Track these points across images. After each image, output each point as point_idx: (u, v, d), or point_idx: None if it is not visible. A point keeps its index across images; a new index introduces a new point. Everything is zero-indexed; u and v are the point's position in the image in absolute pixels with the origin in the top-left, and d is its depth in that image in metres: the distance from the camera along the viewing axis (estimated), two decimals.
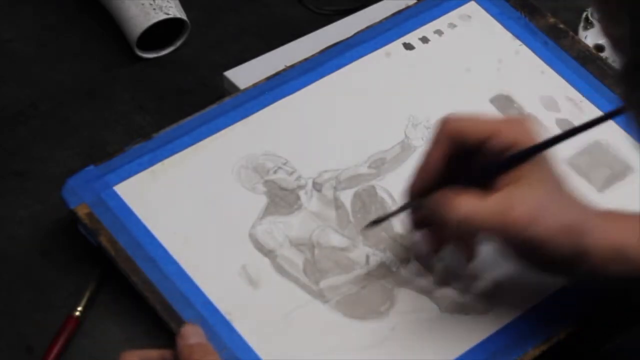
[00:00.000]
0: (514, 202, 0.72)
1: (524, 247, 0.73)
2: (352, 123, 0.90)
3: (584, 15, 1.03)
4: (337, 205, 0.85)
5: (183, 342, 0.74)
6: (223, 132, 0.88)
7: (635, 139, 0.46)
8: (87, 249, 0.83)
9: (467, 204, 0.73)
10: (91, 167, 0.85)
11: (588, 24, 1.02)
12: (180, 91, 0.97)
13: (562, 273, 0.78)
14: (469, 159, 0.76)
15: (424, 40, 0.96)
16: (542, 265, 0.75)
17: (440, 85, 0.93)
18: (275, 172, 0.87)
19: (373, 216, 0.84)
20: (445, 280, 0.81)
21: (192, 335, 0.74)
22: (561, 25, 0.98)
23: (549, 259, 0.73)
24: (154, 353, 0.75)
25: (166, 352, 0.74)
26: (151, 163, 0.86)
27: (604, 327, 0.82)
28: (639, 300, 0.80)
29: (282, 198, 0.85)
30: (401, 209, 0.80)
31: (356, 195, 0.86)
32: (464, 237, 0.79)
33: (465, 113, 0.78)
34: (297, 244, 0.83)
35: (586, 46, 0.97)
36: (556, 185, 0.75)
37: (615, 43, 0.45)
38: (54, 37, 1.01)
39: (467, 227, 0.74)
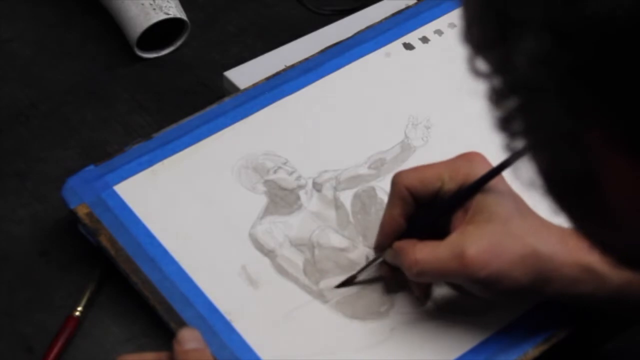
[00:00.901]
0: (465, 245, 0.73)
1: (485, 284, 0.73)
2: (352, 123, 0.90)
3: None
4: (337, 205, 0.85)
5: (179, 347, 0.73)
6: (223, 132, 0.88)
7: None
8: (87, 249, 0.83)
9: (421, 254, 0.74)
10: (91, 167, 0.85)
11: None
12: (180, 91, 0.97)
13: (530, 297, 0.78)
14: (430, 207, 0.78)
15: (424, 40, 0.96)
16: (507, 295, 0.75)
17: (440, 85, 0.93)
18: (275, 172, 0.87)
19: (373, 217, 0.84)
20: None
21: (189, 340, 0.73)
22: None
23: (513, 289, 0.73)
24: (149, 356, 0.74)
25: (162, 355, 0.74)
26: (151, 163, 0.86)
27: (604, 327, 0.82)
28: (618, 316, 0.80)
29: (282, 198, 0.85)
30: (366, 266, 0.80)
31: (356, 196, 0.86)
32: (428, 282, 0.79)
33: (413, 168, 0.78)
34: (297, 244, 0.83)
35: None
36: (510, 214, 0.74)
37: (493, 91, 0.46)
38: (54, 37, 1.01)
39: (425, 276, 0.75)
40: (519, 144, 0.46)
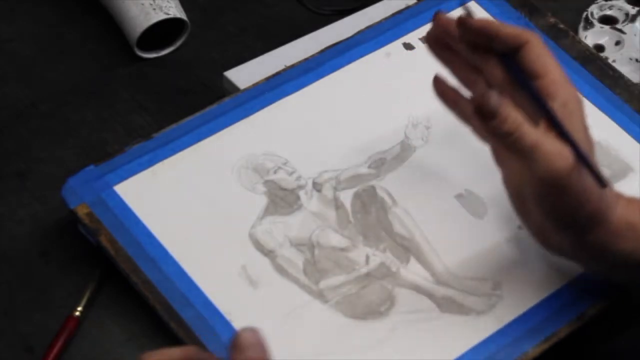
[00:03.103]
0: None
1: (550, 184, 0.71)
2: (352, 123, 0.90)
3: (584, 15, 1.03)
4: (337, 205, 0.85)
5: (238, 355, 0.62)
6: (223, 132, 0.88)
7: None
8: (87, 249, 0.83)
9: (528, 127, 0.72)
10: (91, 167, 0.85)
11: (588, 24, 1.02)
12: (180, 91, 0.97)
13: (575, 236, 0.75)
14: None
15: (424, 40, 0.96)
16: (558, 216, 0.74)
17: None
18: (275, 172, 0.87)
19: (373, 216, 0.84)
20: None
21: (248, 346, 0.62)
22: (561, 25, 0.98)
23: (569, 211, 0.73)
24: (175, 352, 0.65)
25: (190, 350, 0.66)
26: (151, 163, 0.86)
27: (604, 327, 0.82)
28: (639, 298, 0.80)
29: (282, 198, 0.85)
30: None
31: (356, 196, 0.86)
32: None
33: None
34: (297, 244, 0.83)
35: (586, 46, 0.97)
36: (589, 144, 0.75)
37: None
38: (54, 37, 1.01)
39: (514, 139, 0.72)
40: None
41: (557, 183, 0.71)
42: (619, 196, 0.76)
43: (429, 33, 0.80)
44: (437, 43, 0.80)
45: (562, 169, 0.71)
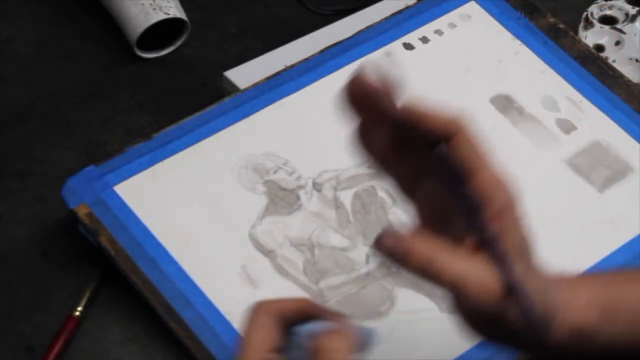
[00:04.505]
0: None
1: (478, 318, 0.62)
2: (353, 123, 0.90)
3: (584, 15, 1.03)
4: (337, 205, 0.85)
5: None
6: (223, 132, 0.88)
7: None
8: (87, 249, 0.83)
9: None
10: (91, 167, 0.85)
11: (588, 24, 1.02)
12: (180, 91, 0.97)
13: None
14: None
15: (424, 40, 0.96)
16: (494, 339, 0.64)
17: (440, 85, 0.93)
18: (275, 172, 0.87)
19: (373, 216, 0.84)
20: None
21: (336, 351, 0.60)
22: (561, 25, 0.98)
23: (506, 339, 0.63)
24: (292, 301, 0.64)
25: (307, 302, 0.64)
26: (151, 163, 0.86)
27: None
28: None
29: (282, 198, 0.85)
30: None
31: (356, 195, 0.86)
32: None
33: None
34: (297, 244, 0.83)
35: (586, 46, 0.97)
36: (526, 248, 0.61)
37: None
38: (54, 37, 1.01)
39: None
40: None
41: (486, 317, 0.60)
42: (564, 289, 0.63)
43: (345, 89, 0.64)
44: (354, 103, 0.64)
45: (490, 305, 0.59)
